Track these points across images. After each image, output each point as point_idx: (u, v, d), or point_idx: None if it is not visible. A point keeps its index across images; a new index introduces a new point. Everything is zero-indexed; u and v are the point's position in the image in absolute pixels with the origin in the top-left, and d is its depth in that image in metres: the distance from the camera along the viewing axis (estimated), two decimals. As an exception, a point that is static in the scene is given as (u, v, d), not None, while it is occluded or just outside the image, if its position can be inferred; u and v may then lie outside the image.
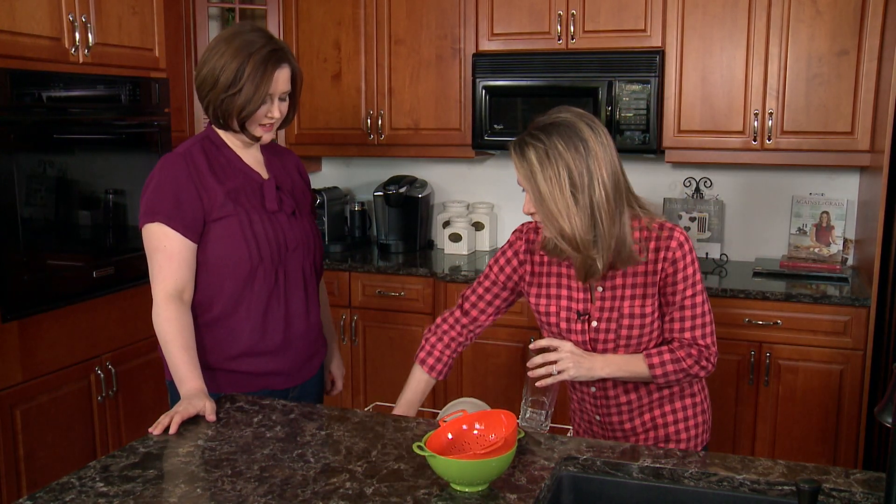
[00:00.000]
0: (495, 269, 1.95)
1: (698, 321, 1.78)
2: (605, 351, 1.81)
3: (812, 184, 3.52)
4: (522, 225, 1.94)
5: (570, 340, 1.82)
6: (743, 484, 1.49)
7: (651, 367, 1.76)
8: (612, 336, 1.79)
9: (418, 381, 1.98)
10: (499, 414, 1.53)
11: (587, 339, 1.82)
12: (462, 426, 1.54)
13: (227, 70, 1.86)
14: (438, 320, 2.02)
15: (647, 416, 1.87)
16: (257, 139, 1.97)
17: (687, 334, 1.77)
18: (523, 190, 1.72)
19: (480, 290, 1.97)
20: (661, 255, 1.75)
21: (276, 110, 1.93)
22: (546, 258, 1.87)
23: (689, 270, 1.76)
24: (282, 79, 1.91)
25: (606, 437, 1.92)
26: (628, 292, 1.78)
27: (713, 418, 3.06)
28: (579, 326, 1.82)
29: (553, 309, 1.85)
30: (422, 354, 1.99)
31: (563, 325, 1.84)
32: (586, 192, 1.65)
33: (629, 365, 1.78)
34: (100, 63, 2.92)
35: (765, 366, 3.09)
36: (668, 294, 1.77)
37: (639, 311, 1.77)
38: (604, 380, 1.85)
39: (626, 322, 1.78)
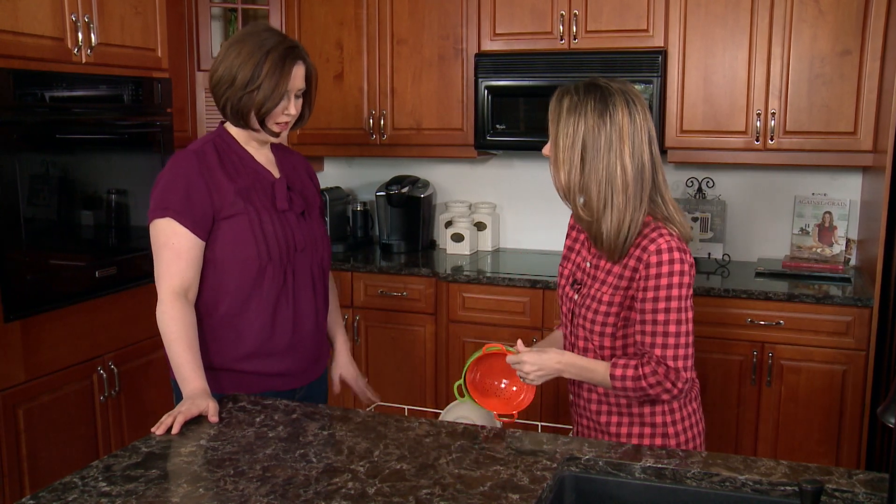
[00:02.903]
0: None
1: (670, 340, 1.71)
2: (576, 325, 1.86)
3: (814, 184, 3.51)
4: None
5: (566, 304, 1.91)
6: (745, 484, 1.48)
7: (612, 377, 1.75)
8: (581, 311, 1.84)
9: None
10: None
11: (571, 307, 1.89)
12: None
13: (245, 68, 1.87)
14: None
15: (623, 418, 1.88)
16: (276, 135, 1.98)
17: (657, 351, 1.72)
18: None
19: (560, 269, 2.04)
20: (638, 253, 1.73)
21: (293, 107, 1.95)
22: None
23: (663, 281, 1.69)
24: (298, 75, 1.93)
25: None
26: (602, 276, 1.81)
27: (713, 418, 3.08)
28: (571, 293, 1.90)
29: (566, 272, 1.94)
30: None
31: (567, 288, 1.92)
32: (600, 160, 1.69)
33: (590, 373, 1.80)
34: (102, 63, 2.93)
35: (767, 366, 3.08)
36: (638, 300, 1.74)
37: (600, 297, 1.79)
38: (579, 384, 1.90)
39: (588, 303, 1.82)
